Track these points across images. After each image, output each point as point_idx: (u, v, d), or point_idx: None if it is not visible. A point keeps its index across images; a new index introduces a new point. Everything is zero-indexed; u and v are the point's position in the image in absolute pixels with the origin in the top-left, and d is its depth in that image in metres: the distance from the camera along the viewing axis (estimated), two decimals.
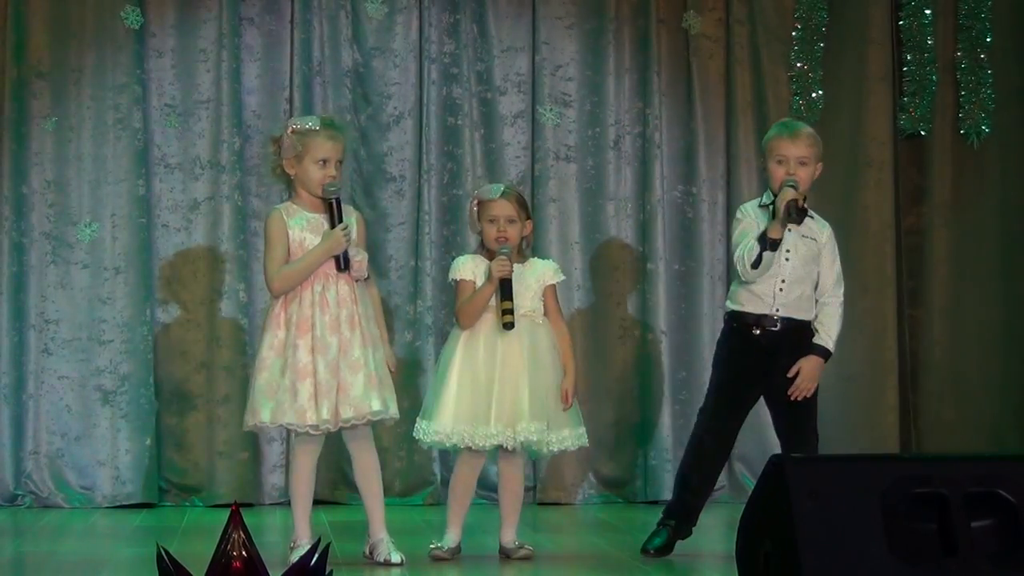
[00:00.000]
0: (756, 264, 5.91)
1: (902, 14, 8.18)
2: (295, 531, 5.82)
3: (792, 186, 5.89)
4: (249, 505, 7.65)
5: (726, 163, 8.16)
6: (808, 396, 6.00)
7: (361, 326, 5.77)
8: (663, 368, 8.01)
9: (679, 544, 6.13)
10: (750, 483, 7.77)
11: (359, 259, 5.81)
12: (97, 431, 7.76)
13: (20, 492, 7.73)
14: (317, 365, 5.70)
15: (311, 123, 5.86)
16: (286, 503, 7.33)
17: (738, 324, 6.06)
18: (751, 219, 6.03)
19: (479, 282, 6.01)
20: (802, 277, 6.02)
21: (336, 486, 7.76)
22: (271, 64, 7.98)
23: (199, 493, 7.83)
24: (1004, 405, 8.25)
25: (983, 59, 8.20)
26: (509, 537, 6.07)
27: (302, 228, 5.80)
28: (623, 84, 8.13)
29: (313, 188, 5.81)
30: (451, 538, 6.01)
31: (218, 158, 7.85)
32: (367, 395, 5.73)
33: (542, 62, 8.08)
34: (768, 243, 5.89)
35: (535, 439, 5.90)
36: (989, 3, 8.20)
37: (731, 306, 6.11)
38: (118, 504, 7.71)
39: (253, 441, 7.79)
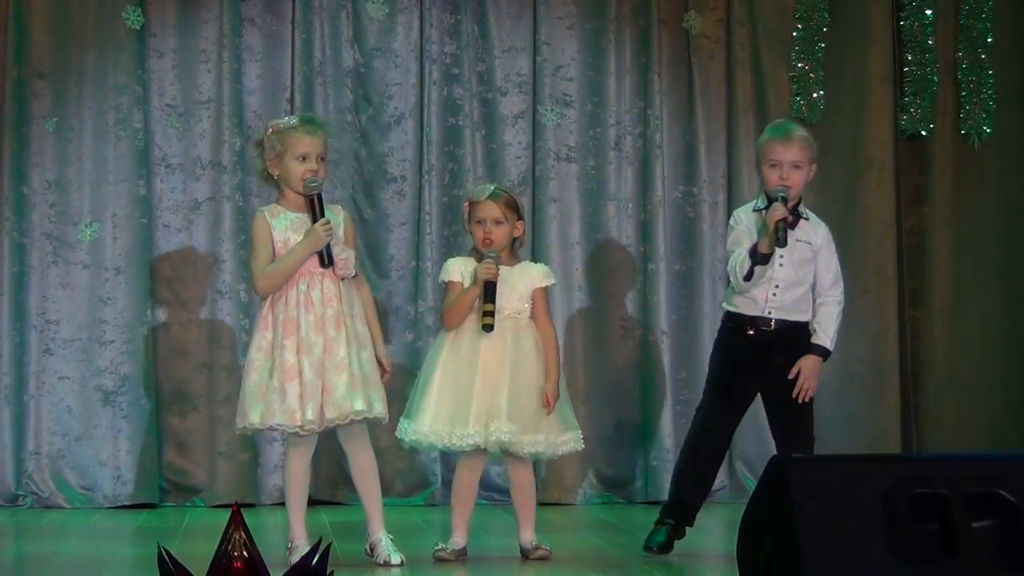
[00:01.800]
0: (748, 277, 5.94)
1: (903, 14, 8.18)
2: (291, 532, 5.82)
3: (783, 197, 5.90)
4: (250, 505, 7.65)
5: (727, 163, 8.16)
6: (812, 396, 6.01)
7: (347, 325, 5.74)
8: (664, 368, 8.01)
9: (679, 543, 6.12)
10: (751, 483, 7.77)
11: (344, 256, 5.76)
12: (98, 431, 7.76)
13: (21, 492, 7.73)
14: (302, 365, 5.68)
15: (289, 121, 5.86)
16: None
17: (733, 324, 6.10)
18: (744, 226, 6.04)
19: (467, 283, 5.98)
20: (796, 281, 6.03)
21: (336, 486, 7.76)
22: (272, 64, 7.98)
23: (200, 493, 7.83)
24: (1005, 405, 8.25)
25: (984, 59, 8.20)
26: (527, 538, 6.04)
27: (285, 228, 5.77)
28: (624, 84, 8.13)
29: (295, 185, 5.77)
30: (457, 540, 5.98)
31: (219, 158, 7.85)
32: (350, 395, 5.69)
33: (543, 62, 8.08)
34: (759, 258, 5.92)
35: (508, 439, 5.85)
36: (990, 3, 8.19)
37: (727, 307, 6.14)
38: (119, 504, 7.71)
39: (254, 442, 7.79)
